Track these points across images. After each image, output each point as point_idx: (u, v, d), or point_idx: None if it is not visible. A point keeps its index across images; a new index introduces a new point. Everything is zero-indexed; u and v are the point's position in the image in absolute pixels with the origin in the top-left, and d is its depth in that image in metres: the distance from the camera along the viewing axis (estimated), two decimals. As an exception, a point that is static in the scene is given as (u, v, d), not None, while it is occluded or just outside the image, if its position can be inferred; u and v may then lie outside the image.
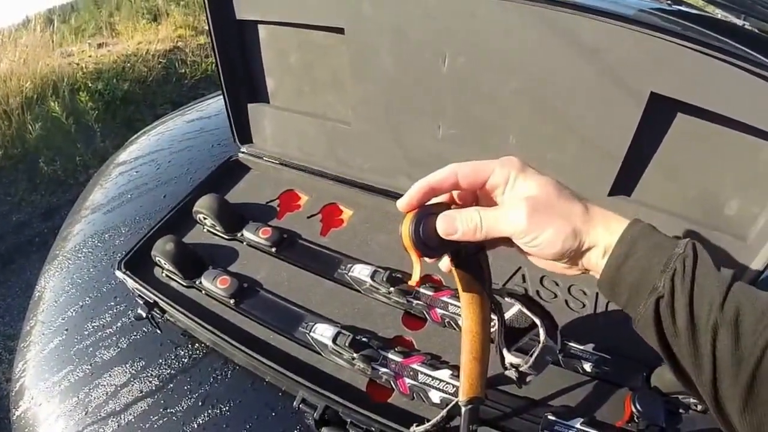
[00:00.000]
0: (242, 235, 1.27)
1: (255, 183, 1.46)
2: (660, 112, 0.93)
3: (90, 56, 4.75)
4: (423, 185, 0.63)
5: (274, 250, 1.23)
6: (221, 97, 2.25)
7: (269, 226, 1.26)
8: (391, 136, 1.25)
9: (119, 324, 1.27)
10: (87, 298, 1.37)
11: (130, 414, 1.12)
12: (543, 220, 0.57)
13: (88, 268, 1.47)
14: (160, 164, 1.81)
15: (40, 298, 1.48)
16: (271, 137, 1.46)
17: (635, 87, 0.91)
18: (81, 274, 1.45)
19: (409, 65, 1.12)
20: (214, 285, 1.14)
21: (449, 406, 0.79)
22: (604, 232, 0.58)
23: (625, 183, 1.05)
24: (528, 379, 0.74)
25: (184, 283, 1.20)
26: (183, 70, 4.97)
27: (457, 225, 0.60)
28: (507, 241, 0.61)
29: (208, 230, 1.32)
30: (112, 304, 1.33)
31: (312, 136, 1.38)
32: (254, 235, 1.24)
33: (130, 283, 1.18)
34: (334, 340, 1.00)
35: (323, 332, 1.02)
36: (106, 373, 1.19)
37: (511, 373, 0.74)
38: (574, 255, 0.58)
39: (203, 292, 1.18)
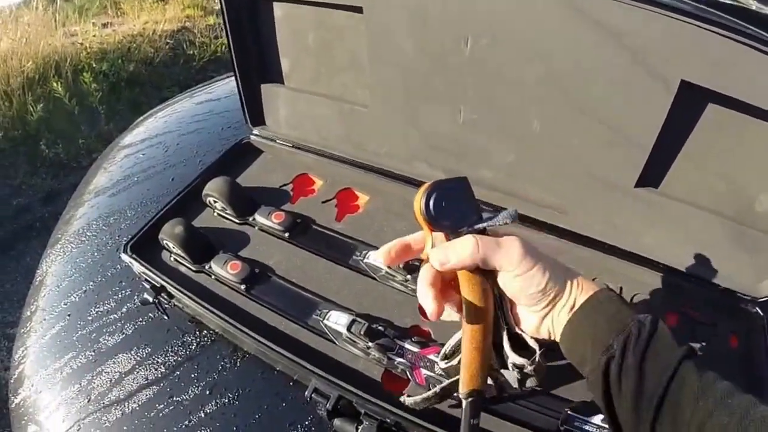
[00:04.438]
0: (254, 219, 1.29)
1: (267, 166, 1.49)
2: (690, 101, 0.93)
3: (95, 36, 4.80)
4: (401, 243, 0.73)
5: (287, 235, 1.25)
6: (231, 79, 2.28)
7: (282, 210, 1.28)
8: (409, 119, 1.26)
9: (124, 309, 1.30)
10: (91, 283, 1.39)
11: (135, 402, 1.15)
12: (535, 256, 0.64)
13: (92, 252, 1.49)
14: (168, 147, 1.84)
15: (41, 283, 1.52)
16: (284, 119, 1.48)
17: (665, 74, 0.91)
18: (84, 259, 1.48)
19: (430, 47, 1.13)
20: (225, 270, 1.17)
21: (443, 385, 0.79)
22: (577, 289, 0.65)
23: (652, 174, 1.05)
24: (529, 381, 0.75)
25: (193, 268, 1.22)
26: (191, 52, 5.01)
27: (449, 254, 0.65)
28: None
29: (219, 214, 1.35)
30: (117, 289, 1.36)
31: (328, 119, 1.40)
32: (267, 219, 1.26)
33: (137, 266, 1.21)
34: (348, 328, 1.01)
35: (337, 320, 1.04)
36: (110, 359, 1.22)
37: (512, 375, 0.75)
38: (552, 299, 0.65)
39: (213, 277, 1.20)
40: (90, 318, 1.31)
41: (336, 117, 1.39)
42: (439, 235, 0.68)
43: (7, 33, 4.40)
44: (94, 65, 4.38)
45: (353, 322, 1.02)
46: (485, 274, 0.67)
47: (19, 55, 4.21)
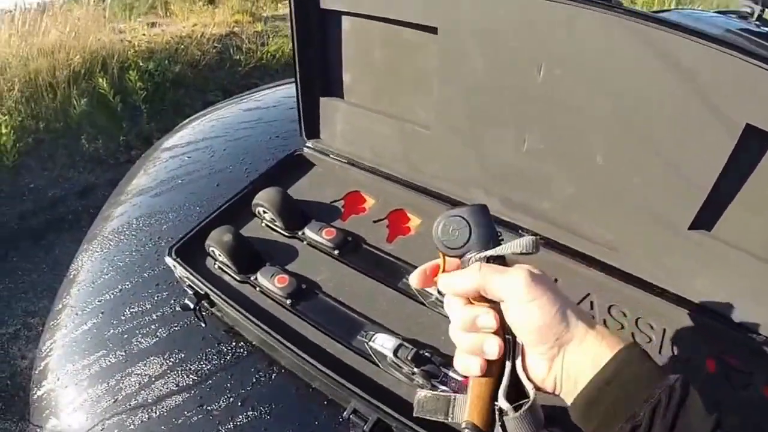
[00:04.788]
0: (303, 233, 1.28)
1: (319, 180, 1.47)
2: (753, 145, 0.91)
3: (144, 35, 4.86)
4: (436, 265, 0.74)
5: (336, 252, 1.23)
6: (281, 87, 2.28)
7: (333, 227, 1.27)
8: (471, 144, 1.25)
9: (160, 312, 1.29)
10: (127, 283, 1.39)
11: (163, 407, 1.13)
12: (540, 289, 0.62)
13: (130, 252, 1.49)
14: (215, 151, 1.84)
15: (75, 278, 1.50)
16: (340, 134, 1.47)
17: (730, 117, 0.90)
18: (122, 258, 1.48)
19: (502, 72, 1.12)
20: (272, 283, 1.15)
21: (455, 397, 0.75)
22: (595, 340, 0.61)
23: (707, 216, 1.03)
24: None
25: (238, 278, 1.21)
26: (237, 57, 5.07)
27: (453, 281, 0.68)
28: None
29: (267, 225, 1.33)
30: (153, 291, 1.35)
31: (385, 137, 1.39)
32: (317, 234, 1.25)
33: (180, 271, 1.20)
34: (395, 353, 0.99)
35: (384, 343, 1.01)
36: (141, 362, 1.21)
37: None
38: (558, 339, 0.61)
39: (257, 288, 1.19)
40: (124, 318, 1.30)
41: (394, 136, 1.37)
42: (455, 261, 0.70)
43: (57, 26, 4.48)
44: (140, 64, 4.44)
45: (400, 346, 1.00)
46: (495, 306, 0.66)
47: (67, 48, 4.29)
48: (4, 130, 3.51)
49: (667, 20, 0.89)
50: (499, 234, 0.70)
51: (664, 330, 1.09)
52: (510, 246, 0.66)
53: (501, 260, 0.68)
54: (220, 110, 2.28)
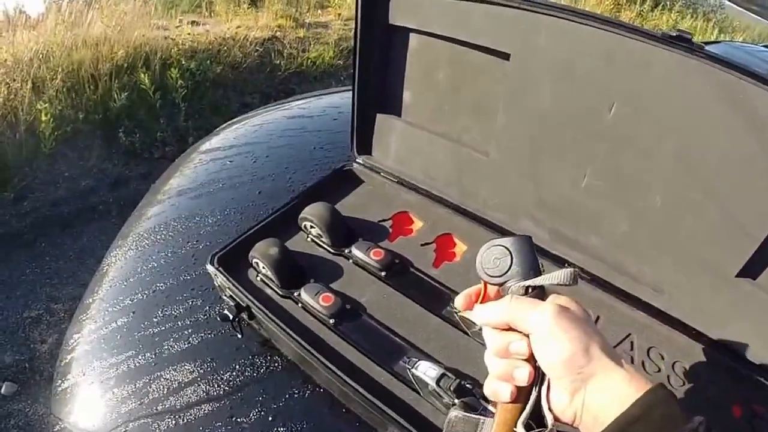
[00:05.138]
0: (350, 251, 1.26)
1: (367, 198, 1.45)
2: None
3: (188, 34, 4.90)
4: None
5: (383, 274, 1.22)
6: (325, 96, 2.27)
7: (380, 247, 1.25)
8: (529, 174, 1.22)
9: (194, 318, 1.29)
10: (161, 284, 1.38)
11: (191, 415, 1.12)
12: (566, 324, 0.64)
13: (166, 253, 1.48)
14: (257, 158, 1.83)
15: (107, 272, 1.50)
16: (393, 152, 1.46)
17: None
18: (157, 258, 1.47)
19: (571, 106, 1.10)
20: (316, 301, 1.14)
21: (483, 421, 0.77)
22: (621, 379, 0.61)
23: (755, 266, 1.02)
24: None
25: (281, 292, 1.19)
26: (278, 62, 5.09)
27: (484, 312, 0.71)
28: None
29: (313, 240, 1.32)
30: (188, 295, 1.34)
31: (440, 160, 1.37)
32: (365, 254, 1.23)
33: (221, 279, 1.18)
34: (437, 382, 0.97)
35: (427, 371, 1.00)
36: (172, 366, 1.20)
37: None
38: (580, 373, 0.62)
39: (300, 305, 1.17)
40: (156, 320, 1.29)
41: (449, 159, 1.35)
42: (495, 289, 0.74)
43: (103, 19, 4.53)
44: (182, 62, 4.48)
45: (443, 375, 0.98)
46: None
47: (111, 42, 4.33)
48: (44, 118, 3.54)
49: (747, 69, 0.87)
50: (540, 266, 0.72)
51: (699, 374, 1.08)
52: (548, 277, 0.68)
53: (540, 290, 0.70)
54: (262, 115, 2.27)
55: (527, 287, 0.69)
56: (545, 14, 1.05)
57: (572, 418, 0.64)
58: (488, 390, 0.70)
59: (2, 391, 2.50)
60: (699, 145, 0.97)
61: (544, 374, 0.67)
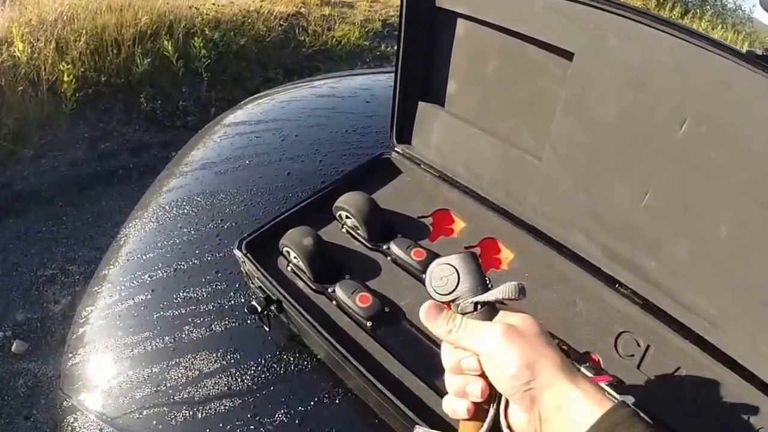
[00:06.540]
0: (389, 248, 1.16)
1: (405, 190, 1.35)
2: None
3: (213, 4, 4.82)
4: None
5: (425, 276, 1.12)
6: (355, 76, 2.17)
7: (421, 246, 1.15)
8: (585, 185, 1.12)
9: (217, 304, 1.21)
10: (183, 263, 1.31)
11: (211, 409, 1.05)
12: (516, 340, 0.64)
13: (188, 230, 1.40)
14: (286, 136, 1.74)
15: (124, 244, 1.42)
16: (435, 144, 1.36)
17: None
18: (180, 234, 1.39)
19: (639, 117, 1.00)
20: (353, 300, 1.05)
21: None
22: (581, 397, 0.60)
23: None
24: None
25: (313, 287, 1.11)
26: (302, 38, 5.00)
27: (438, 317, 0.71)
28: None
29: (348, 231, 1.23)
30: (212, 278, 1.27)
31: (486, 158, 1.27)
32: (405, 253, 1.13)
33: (249, 267, 1.10)
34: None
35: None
36: (191, 354, 1.13)
37: None
38: (529, 391, 0.62)
39: (334, 302, 1.09)
40: (176, 302, 1.22)
41: (497, 159, 1.25)
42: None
43: (128, -16, 4.46)
44: (206, 32, 4.40)
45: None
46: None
47: (136, 8, 4.27)
48: (66, 78, 3.53)
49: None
50: (488, 281, 0.73)
51: (747, 417, 1.00)
52: (495, 292, 0.69)
53: (490, 306, 0.70)
54: (291, 91, 2.18)
55: (476, 303, 0.69)
56: (617, 14, 0.94)
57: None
58: (446, 407, 0.71)
59: (13, 348, 2.49)
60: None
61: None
